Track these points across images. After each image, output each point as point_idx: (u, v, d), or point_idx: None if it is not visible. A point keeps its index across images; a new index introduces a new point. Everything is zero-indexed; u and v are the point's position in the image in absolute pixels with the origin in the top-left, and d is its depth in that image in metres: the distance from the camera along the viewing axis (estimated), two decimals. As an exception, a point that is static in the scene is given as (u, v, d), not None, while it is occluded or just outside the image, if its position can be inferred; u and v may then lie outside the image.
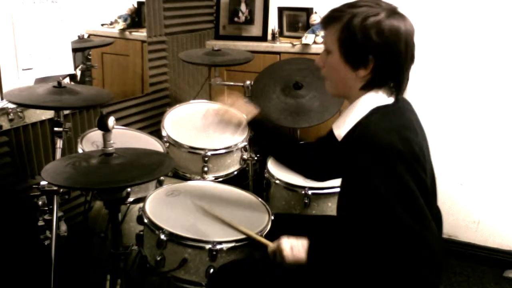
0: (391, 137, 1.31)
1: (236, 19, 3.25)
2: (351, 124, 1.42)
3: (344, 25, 1.36)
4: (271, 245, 1.55)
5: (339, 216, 1.57)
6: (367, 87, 1.41)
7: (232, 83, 2.80)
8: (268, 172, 2.20)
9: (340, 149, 1.46)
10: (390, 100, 1.42)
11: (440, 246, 1.41)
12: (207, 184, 2.13)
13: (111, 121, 1.53)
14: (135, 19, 2.91)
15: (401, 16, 1.38)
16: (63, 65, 2.28)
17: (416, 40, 1.41)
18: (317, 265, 1.45)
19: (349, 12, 1.36)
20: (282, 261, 1.47)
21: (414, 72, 1.46)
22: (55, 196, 1.80)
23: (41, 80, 2.14)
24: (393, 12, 1.37)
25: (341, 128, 1.45)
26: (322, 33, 2.91)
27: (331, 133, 1.53)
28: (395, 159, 1.29)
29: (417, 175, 1.32)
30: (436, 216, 1.46)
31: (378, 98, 1.41)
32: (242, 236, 1.68)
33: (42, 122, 2.24)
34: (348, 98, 1.47)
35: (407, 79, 1.43)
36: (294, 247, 1.46)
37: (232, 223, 1.71)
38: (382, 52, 1.35)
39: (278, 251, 1.49)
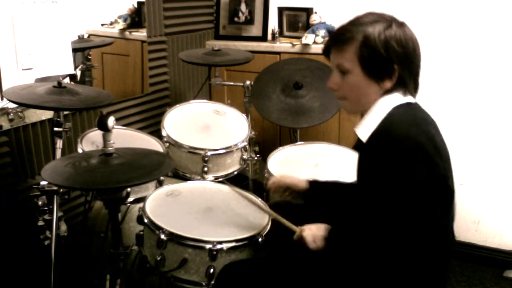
0: (410, 130, 1.35)
1: (236, 19, 3.25)
2: (375, 125, 1.44)
3: (361, 43, 1.40)
4: (297, 231, 1.60)
5: (356, 214, 1.58)
6: (389, 92, 1.45)
7: (232, 83, 2.80)
8: (268, 172, 2.20)
9: (365, 148, 1.48)
10: (408, 99, 1.45)
11: (449, 242, 1.45)
12: (207, 184, 2.12)
13: (111, 121, 1.53)
14: (135, 19, 2.91)
15: (403, 24, 1.45)
16: (63, 65, 2.28)
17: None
18: (336, 252, 1.51)
19: (360, 30, 1.41)
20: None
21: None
22: (55, 196, 1.80)
23: (41, 80, 2.14)
24: (397, 21, 1.44)
25: (366, 131, 1.47)
26: (321, 32, 2.91)
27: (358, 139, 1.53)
28: (412, 152, 1.32)
29: (436, 168, 1.35)
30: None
31: (397, 97, 1.45)
32: (242, 236, 1.68)
33: (42, 122, 2.24)
34: (369, 107, 1.48)
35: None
36: (316, 237, 1.53)
37: (262, 206, 1.76)
38: (405, 59, 1.41)
39: (303, 241, 1.55)
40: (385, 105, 1.44)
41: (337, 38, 1.46)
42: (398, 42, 1.39)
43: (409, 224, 1.34)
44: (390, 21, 1.42)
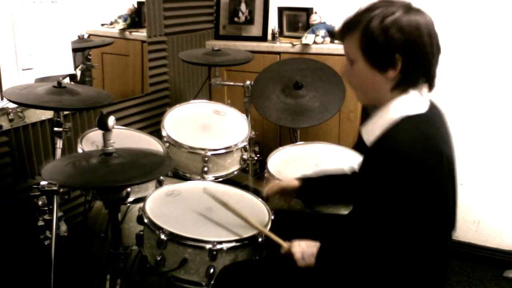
0: (416, 149, 1.29)
1: (236, 19, 3.25)
2: (380, 130, 1.39)
3: (363, 31, 1.34)
4: (284, 246, 1.58)
5: (356, 221, 1.57)
6: (399, 86, 1.38)
7: (232, 83, 2.80)
8: (268, 172, 2.19)
9: (368, 153, 1.46)
10: (423, 108, 1.39)
11: (443, 260, 1.43)
12: (207, 184, 2.12)
13: (111, 120, 1.53)
14: (135, 19, 2.91)
15: (417, 10, 1.36)
16: (63, 65, 2.28)
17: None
18: (326, 269, 1.48)
19: (365, 17, 1.34)
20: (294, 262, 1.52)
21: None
22: (55, 196, 1.80)
23: (41, 80, 2.14)
24: (409, 7, 1.35)
25: (370, 133, 1.42)
26: (321, 32, 2.91)
27: (360, 140, 1.51)
28: (415, 173, 1.28)
29: (437, 187, 1.31)
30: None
31: (410, 103, 1.38)
32: (242, 236, 1.68)
33: (42, 122, 2.24)
34: (380, 102, 1.42)
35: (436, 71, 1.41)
36: (305, 254, 1.50)
37: (247, 219, 1.70)
38: (407, 49, 1.33)
39: (291, 255, 1.53)
40: (395, 110, 1.37)
41: (345, 26, 1.41)
42: (400, 29, 1.30)
43: (405, 237, 1.32)
44: (397, 7, 1.33)
